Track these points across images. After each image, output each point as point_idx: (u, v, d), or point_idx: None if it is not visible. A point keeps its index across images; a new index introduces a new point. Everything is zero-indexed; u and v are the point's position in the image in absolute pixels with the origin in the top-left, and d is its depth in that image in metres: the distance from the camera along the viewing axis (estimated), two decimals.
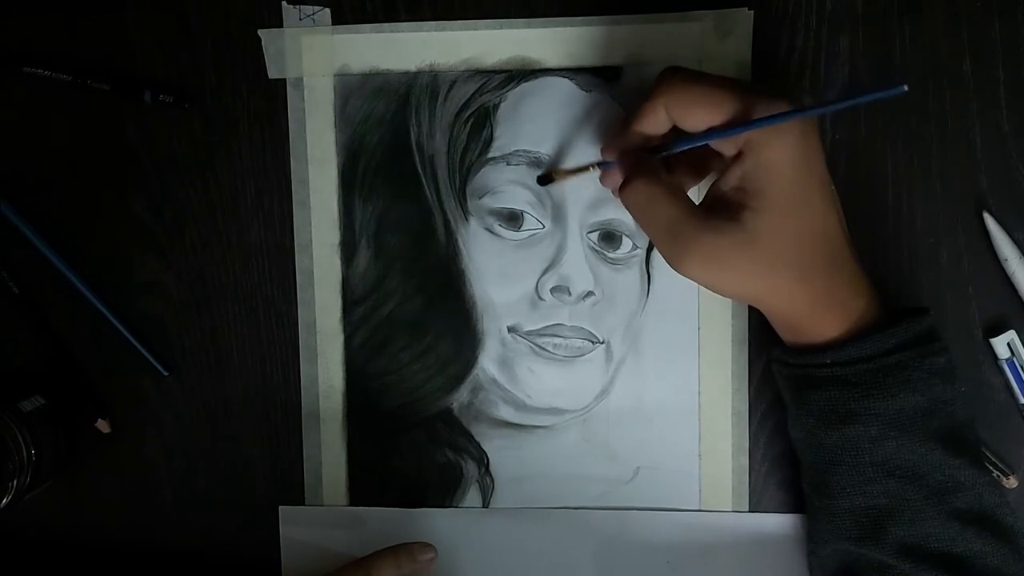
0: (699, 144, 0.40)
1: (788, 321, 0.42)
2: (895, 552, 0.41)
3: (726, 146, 0.39)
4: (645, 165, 0.41)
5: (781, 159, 0.38)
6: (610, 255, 0.49)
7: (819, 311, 0.40)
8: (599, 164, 0.45)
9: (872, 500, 0.41)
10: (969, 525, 0.40)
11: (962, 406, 0.41)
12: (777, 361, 0.44)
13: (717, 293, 0.42)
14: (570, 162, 0.48)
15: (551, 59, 0.48)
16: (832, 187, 0.40)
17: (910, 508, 0.40)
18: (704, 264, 0.39)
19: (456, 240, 0.50)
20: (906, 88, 0.32)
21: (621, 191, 0.42)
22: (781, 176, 0.38)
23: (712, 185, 0.41)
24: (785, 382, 0.44)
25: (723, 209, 0.39)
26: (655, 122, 0.41)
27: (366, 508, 0.51)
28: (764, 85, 0.41)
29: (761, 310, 0.43)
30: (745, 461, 0.49)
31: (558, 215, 0.49)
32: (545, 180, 0.48)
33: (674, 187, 0.41)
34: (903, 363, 0.40)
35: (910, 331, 0.40)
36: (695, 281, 0.41)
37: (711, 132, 0.39)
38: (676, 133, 0.42)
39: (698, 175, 0.45)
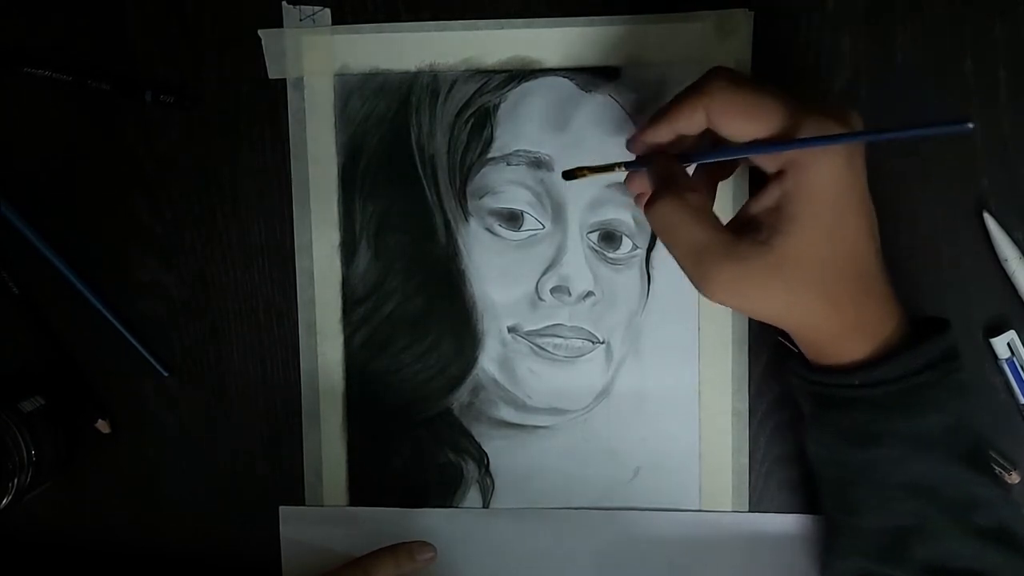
0: (739, 156, 0.38)
1: (814, 343, 0.41)
2: (918, 572, 0.40)
3: (767, 162, 0.38)
4: (672, 180, 0.39)
5: (825, 183, 0.36)
6: (610, 255, 0.49)
7: (846, 334, 0.39)
8: (625, 164, 0.43)
9: (895, 520, 0.40)
10: (990, 541, 0.40)
11: (978, 421, 0.41)
12: (798, 376, 0.43)
13: (746, 314, 0.41)
14: (572, 163, 0.48)
15: (551, 59, 0.48)
16: (871, 209, 0.38)
17: (933, 527, 0.40)
18: (728, 290, 0.38)
19: (456, 240, 0.50)
20: (971, 126, 0.30)
21: (646, 209, 0.40)
22: (821, 200, 0.36)
23: (745, 204, 0.39)
24: (806, 398, 0.43)
25: (753, 230, 0.38)
26: (691, 123, 0.39)
27: (366, 508, 0.51)
28: (811, 102, 0.39)
29: (787, 331, 0.42)
30: (745, 461, 0.49)
31: (558, 215, 0.49)
32: (570, 176, 0.45)
33: (700, 208, 0.38)
34: (930, 383, 0.39)
35: (937, 348, 0.39)
36: (720, 303, 0.39)
37: (754, 145, 0.37)
38: (709, 136, 0.40)
39: (724, 172, 0.44)
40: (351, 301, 0.51)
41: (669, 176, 0.39)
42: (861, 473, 0.41)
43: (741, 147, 0.38)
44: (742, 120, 0.37)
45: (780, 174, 0.37)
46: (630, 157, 0.44)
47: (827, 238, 0.37)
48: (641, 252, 0.49)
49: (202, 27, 0.50)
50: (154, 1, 0.50)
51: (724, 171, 0.44)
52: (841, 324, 0.39)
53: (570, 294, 0.49)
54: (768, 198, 0.37)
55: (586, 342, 0.49)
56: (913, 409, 0.39)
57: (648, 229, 0.48)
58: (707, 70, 0.39)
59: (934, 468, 0.40)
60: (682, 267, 0.39)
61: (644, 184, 0.43)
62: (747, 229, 0.38)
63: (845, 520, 0.43)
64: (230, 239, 0.51)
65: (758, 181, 0.40)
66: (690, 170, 0.43)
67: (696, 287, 0.39)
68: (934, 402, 0.39)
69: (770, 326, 0.44)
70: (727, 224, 0.39)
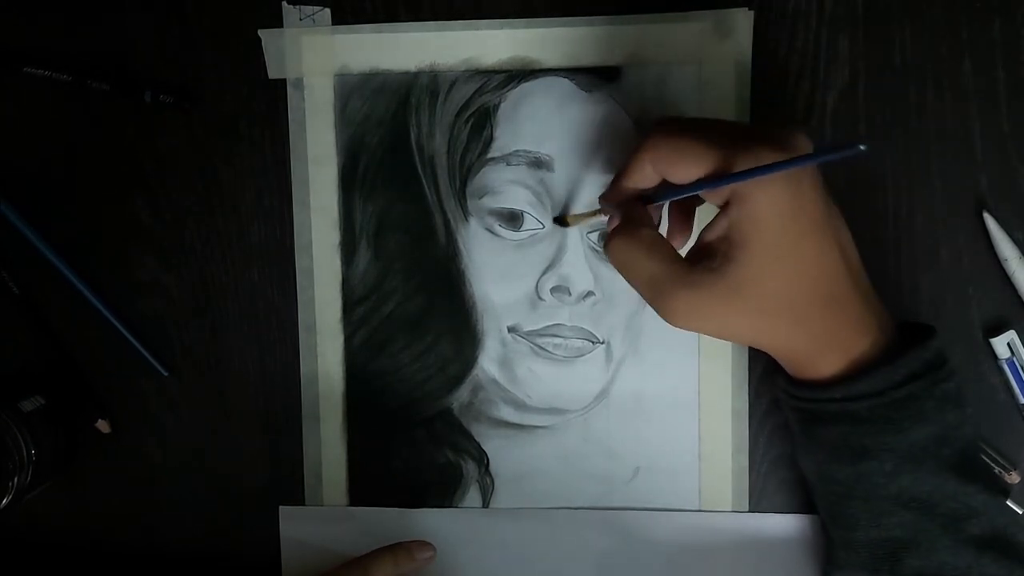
0: (687, 195, 0.40)
1: (788, 361, 0.41)
2: None
3: (713, 197, 0.39)
4: (629, 218, 0.41)
5: (766, 210, 0.37)
6: None
7: (818, 352, 0.40)
8: (604, 210, 0.45)
9: (887, 532, 0.40)
10: (984, 551, 0.39)
11: (971, 428, 0.41)
12: (784, 392, 0.43)
13: (714, 338, 0.41)
14: (571, 162, 0.48)
15: (551, 59, 0.48)
16: (834, 226, 0.39)
17: (926, 539, 0.40)
18: (688, 316, 0.39)
19: (456, 240, 0.50)
20: (863, 148, 0.31)
21: (604, 249, 0.41)
22: (767, 226, 0.37)
23: (701, 232, 0.40)
24: (793, 414, 0.43)
25: (709, 258, 0.39)
26: (642, 177, 0.41)
27: (366, 508, 0.51)
28: (756, 129, 0.40)
29: (762, 350, 0.42)
30: (745, 461, 0.49)
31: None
32: (561, 223, 0.49)
33: (653, 242, 0.40)
34: (914, 394, 0.39)
35: (919, 359, 0.39)
36: (685, 330, 0.40)
37: (697, 184, 0.39)
38: (667, 183, 0.41)
39: (698, 200, 0.45)
40: (351, 301, 0.51)
41: (627, 216, 0.42)
42: (851, 487, 0.41)
43: (685, 187, 0.39)
44: (680, 165, 0.39)
45: (726, 206, 0.38)
46: None
47: (778, 262, 0.37)
48: None
49: (202, 27, 0.50)
50: (154, 1, 0.50)
51: (697, 199, 0.45)
52: (810, 342, 0.40)
53: (570, 294, 0.49)
54: (718, 227, 0.39)
55: (586, 342, 0.49)
56: (898, 422, 0.39)
57: None
58: (653, 122, 0.41)
59: (924, 480, 0.39)
60: (644, 298, 0.41)
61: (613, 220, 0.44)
62: (703, 256, 0.39)
63: (839, 535, 0.43)
64: (230, 239, 0.51)
65: None
66: (665, 208, 0.45)
67: (660, 316, 0.40)
68: (920, 414, 0.39)
69: None
70: (689, 252, 0.41)
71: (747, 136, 0.38)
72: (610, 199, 0.43)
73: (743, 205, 0.37)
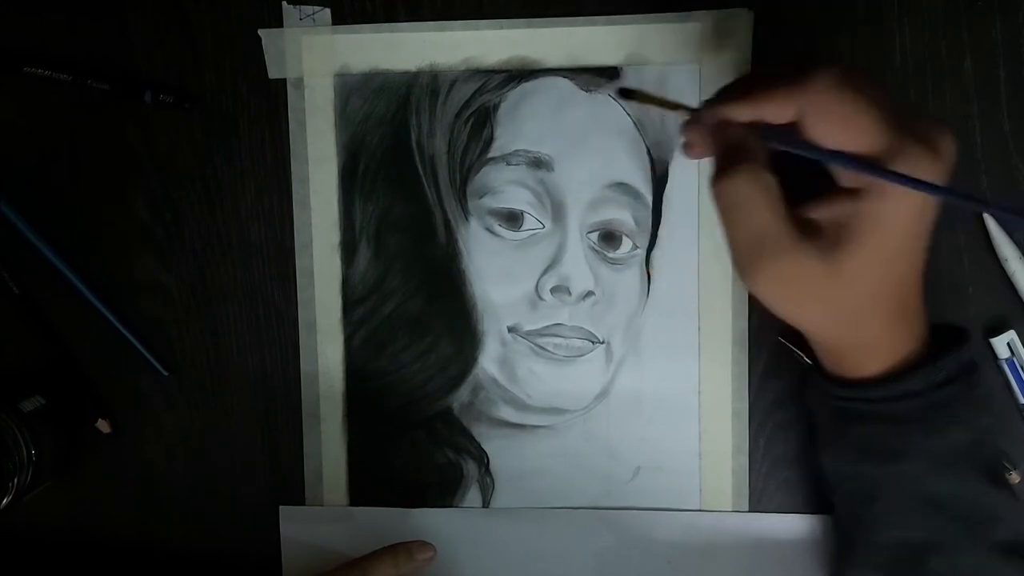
0: (816, 158, 0.36)
1: (835, 353, 0.41)
2: None
3: (846, 176, 0.37)
4: (749, 155, 0.36)
5: (899, 216, 0.36)
6: (610, 255, 0.49)
7: (871, 350, 0.39)
8: (691, 110, 0.39)
9: (912, 534, 0.40)
10: (1009, 556, 0.39)
11: (998, 434, 0.41)
12: (817, 389, 0.43)
13: (775, 312, 0.38)
14: (571, 162, 0.48)
15: (551, 59, 0.48)
16: (928, 236, 0.38)
17: (951, 543, 0.39)
18: (775, 287, 0.37)
19: (456, 240, 0.50)
20: None
21: (716, 181, 0.36)
22: (891, 231, 0.36)
23: (808, 207, 0.38)
24: (824, 411, 0.43)
25: (815, 234, 0.37)
26: (778, 114, 0.36)
27: (366, 508, 0.51)
28: (911, 121, 0.36)
29: (808, 336, 0.41)
30: (745, 461, 0.49)
31: (558, 215, 0.49)
32: (628, 94, 0.42)
33: (776, 195, 0.36)
34: (952, 396, 0.39)
35: (956, 362, 0.39)
36: (758, 296, 0.38)
37: (842, 157, 0.35)
38: (784, 129, 0.37)
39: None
40: (351, 301, 0.51)
41: (744, 149, 0.36)
42: (880, 488, 0.41)
43: (827, 153, 0.36)
44: (837, 129, 0.35)
45: (856, 192, 0.36)
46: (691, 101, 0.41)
47: (883, 264, 0.37)
48: (641, 252, 0.49)
49: (202, 27, 0.50)
50: (154, 1, 0.50)
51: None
52: (869, 341, 0.39)
53: (570, 294, 0.49)
54: (837, 210, 0.37)
55: (586, 342, 0.49)
56: (935, 424, 0.39)
57: (648, 229, 0.49)
58: (818, 67, 0.35)
59: (955, 483, 0.39)
60: (732, 250, 0.37)
61: (704, 145, 0.39)
62: (808, 229, 0.37)
63: (861, 537, 0.42)
64: (230, 239, 0.51)
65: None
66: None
67: (739, 272, 0.37)
68: (956, 417, 0.39)
69: (769, 326, 0.44)
70: None
71: (906, 129, 0.35)
72: (721, 114, 0.37)
73: (880, 203, 0.35)
